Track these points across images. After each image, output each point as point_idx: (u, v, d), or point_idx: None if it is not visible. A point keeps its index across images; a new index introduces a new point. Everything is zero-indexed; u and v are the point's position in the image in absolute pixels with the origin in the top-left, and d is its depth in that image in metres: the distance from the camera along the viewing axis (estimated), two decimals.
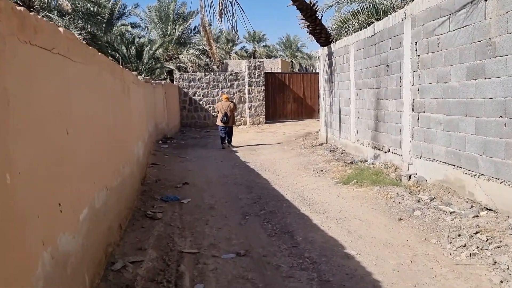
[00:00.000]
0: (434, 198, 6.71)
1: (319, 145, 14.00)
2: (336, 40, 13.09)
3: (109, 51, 26.98)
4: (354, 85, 11.40)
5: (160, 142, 15.52)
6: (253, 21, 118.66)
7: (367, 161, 10.28)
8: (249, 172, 9.72)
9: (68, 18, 22.24)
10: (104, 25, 28.27)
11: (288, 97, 23.32)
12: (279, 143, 15.55)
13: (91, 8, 24.22)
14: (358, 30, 12.58)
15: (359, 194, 7.30)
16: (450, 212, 5.98)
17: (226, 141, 14.56)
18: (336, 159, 10.95)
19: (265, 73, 22.88)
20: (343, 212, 6.41)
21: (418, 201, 6.48)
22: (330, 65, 13.50)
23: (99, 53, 5.07)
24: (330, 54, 13.47)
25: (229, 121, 14.24)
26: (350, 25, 13.15)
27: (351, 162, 10.38)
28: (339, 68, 12.61)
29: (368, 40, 10.36)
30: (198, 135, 19.23)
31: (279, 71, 33.74)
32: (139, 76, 12.03)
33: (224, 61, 38.66)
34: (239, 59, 43.22)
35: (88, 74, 4.26)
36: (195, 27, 31.80)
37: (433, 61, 7.37)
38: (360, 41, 10.87)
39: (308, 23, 13.72)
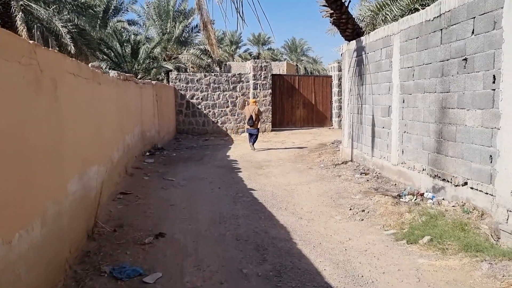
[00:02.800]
0: None
1: (342, 163, 10.75)
2: (369, 31, 9.86)
3: (103, 49, 23.83)
4: (399, 88, 8.17)
5: (147, 154, 12.29)
6: (257, 24, 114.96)
7: (422, 194, 7.04)
8: (258, 210, 6.45)
9: (53, 9, 19.03)
10: (99, 21, 25.10)
11: (297, 102, 20.08)
12: (290, 157, 12.32)
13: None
14: (399, 18, 9.39)
15: (455, 275, 4.01)
16: None
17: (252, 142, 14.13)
18: (375, 189, 7.71)
19: (272, 75, 19.65)
20: None
21: None
22: (360, 63, 10.27)
23: None
24: (359, 50, 10.24)
25: (254, 124, 13.86)
26: (388, 12, 9.94)
27: (399, 196, 7.14)
28: (374, 66, 9.37)
29: (426, 26, 7.13)
30: (195, 144, 15.98)
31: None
32: (112, 72, 8.80)
33: (227, 63, 35.39)
34: (242, 62, 40.02)
35: None
36: (196, 25, 28.55)
37: None
38: (412, 28, 7.64)
39: (332, 11, 10.49)
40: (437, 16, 6.79)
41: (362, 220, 6.02)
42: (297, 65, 42.89)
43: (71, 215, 4.29)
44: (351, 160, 10.82)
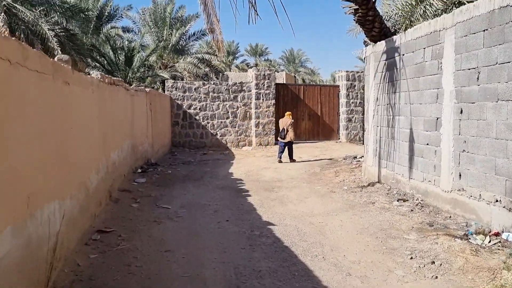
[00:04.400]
0: None
1: (369, 185, 8.91)
2: (404, 30, 8.09)
3: (95, 56, 21.99)
4: (454, 96, 6.37)
5: (139, 171, 10.38)
6: (256, 34, 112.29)
7: (498, 234, 5.20)
8: (286, 261, 4.54)
9: (40, 11, 17.16)
10: (91, 26, 23.28)
11: (302, 113, 18.26)
12: (303, 176, 10.48)
13: (70, 0, 19.09)
14: (441, 14, 7.64)
15: None
16: None
17: (281, 156, 13.19)
18: (430, 224, 5.87)
19: (276, 84, 17.86)
20: None
21: None
22: (391, 67, 8.49)
23: None
24: (391, 51, 8.47)
25: (286, 136, 13.08)
26: (427, 6, 8.18)
27: (466, 235, 5.32)
28: (414, 70, 7.59)
29: (501, 13, 5.36)
30: (192, 159, 14.09)
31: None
32: (94, 73, 6.95)
33: (225, 73, 33.67)
34: (240, 72, 38.27)
35: None
36: (194, 33, 26.79)
37: None
38: (476, 18, 5.86)
39: (357, 7, 8.75)
40: None
41: (436, 278, 4.15)
42: (295, 77, 41.24)
43: None
44: (379, 182, 8.98)
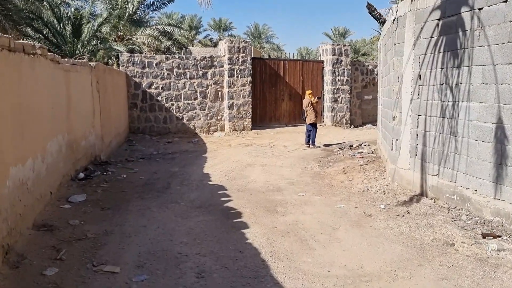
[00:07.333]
0: None
1: (411, 200, 5.97)
2: None
3: (39, 27, 17.86)
4: None
5: (82, 176, 7.02)
6: (219, 8, 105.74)
7: None
8: None
9: None
10: None
11: (282, 93, 15.14)
12: (305, 180, 7.48)
13: None
14: None
15: None
16: None
17: (309, 141, 11.24)
18: None
19: (253, 59, 14.58)
20: None
21: None
22: (452, 28, 5.48)
23: None
24: (452, 5, 5.44)
25: (306, 118, 11.22)
26: None
27: None
28: (508, 30, 4.62)
29: None
30: (154, 151, 10.75)
31: None
32: None
33: (188, 48, 29.88)
34: (203, 47, 34.47)
35: None
36: (153, 2, 22.78)
37: None
38: None
39: None
40: None
41: None
42: (261, 53, 37.87)
43: None
44: (423, 194, 6.07)
